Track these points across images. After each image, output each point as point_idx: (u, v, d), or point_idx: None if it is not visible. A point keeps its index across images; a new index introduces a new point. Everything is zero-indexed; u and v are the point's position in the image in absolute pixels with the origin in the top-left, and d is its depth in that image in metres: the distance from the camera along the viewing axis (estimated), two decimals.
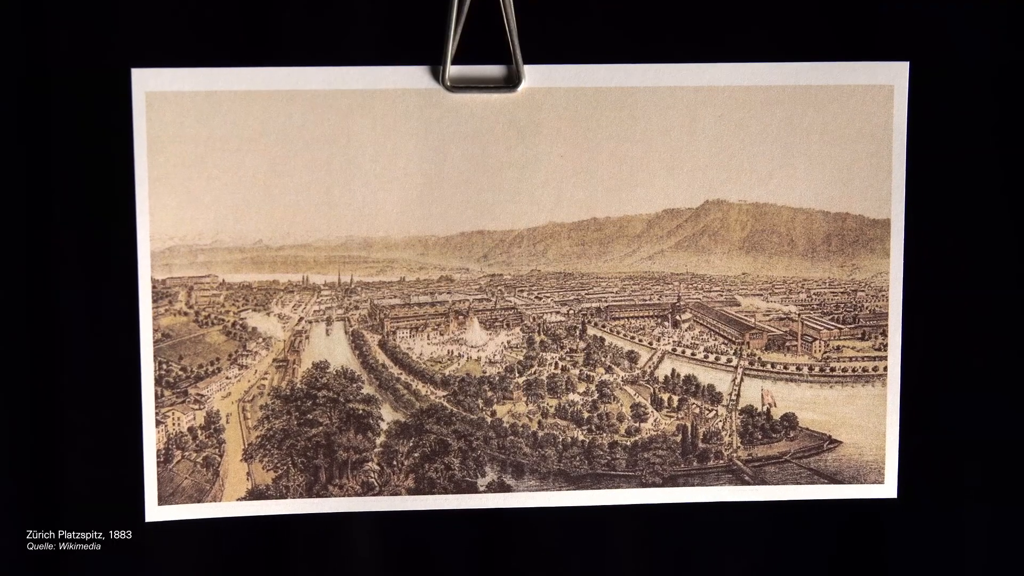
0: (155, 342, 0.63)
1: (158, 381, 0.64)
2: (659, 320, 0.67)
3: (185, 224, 0.63)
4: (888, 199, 0.64)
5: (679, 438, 0.66)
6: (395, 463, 0.66)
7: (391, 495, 0.66)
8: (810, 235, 0.65)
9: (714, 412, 0.66)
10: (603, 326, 0.67)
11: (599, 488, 0.66)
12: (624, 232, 0.65)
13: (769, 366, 0.67)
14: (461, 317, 0.67)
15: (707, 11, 0.62)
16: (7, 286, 0.62)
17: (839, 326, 0.66)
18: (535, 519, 0.66)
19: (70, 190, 0.62)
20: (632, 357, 0.67)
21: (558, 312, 0.67)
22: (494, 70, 0.62)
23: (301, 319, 0.65)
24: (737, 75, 0.63)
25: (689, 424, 0.66)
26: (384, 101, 0.62)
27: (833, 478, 0.66)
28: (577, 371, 0.67)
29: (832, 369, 0.66)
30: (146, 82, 0.61)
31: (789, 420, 0.66)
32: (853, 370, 0.66)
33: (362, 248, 0.64)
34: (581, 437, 0.66)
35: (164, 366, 0.64)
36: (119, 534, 0.64)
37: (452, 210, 0.63)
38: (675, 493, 0.66)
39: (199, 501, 0.65)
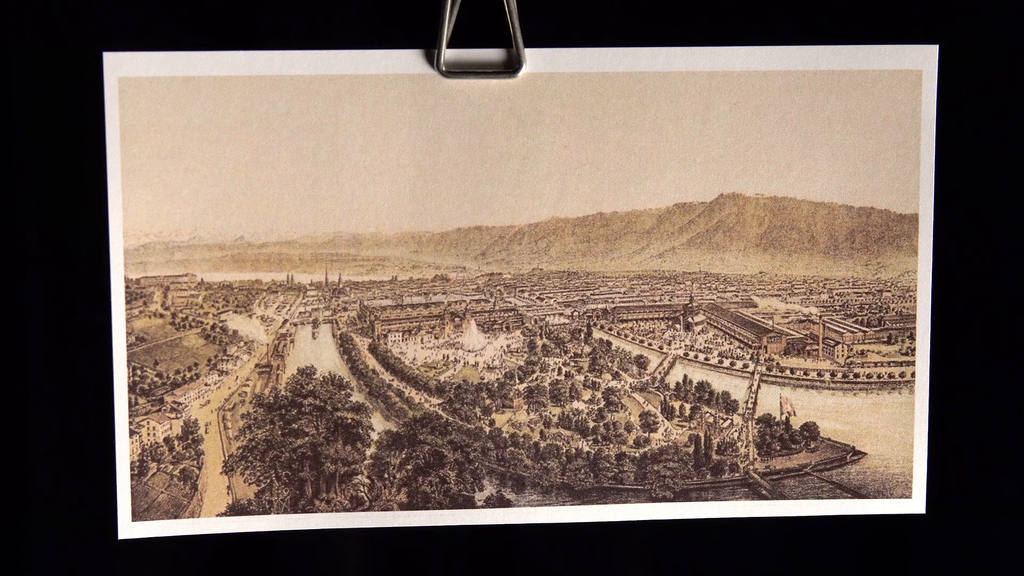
0: (128, 346, 0.62)
1: (132, 388, 0.62)
2: (670, 322, 0.66)
3: (161, 219, 0.61)
4: (916, 192, 0.63)
5: (691, 449, 0.65)
6: (386, 476, 0.64)
7: (382, 510, 0.65)
8: (832, 231, 0.64)
9: (729, 421, 0.65)
10: (610, 329, 0.66)
11: (605, 503, 0.65)
12: (632, 228, 0.64)
13: (788, 372, 0.65)
14: (457, 319, 0.66)
15: None
16: None
17: (863, 329, 0.65)
18: (537, 536, 0.65)
19: (36, 183, 0.60)
20: (641, 362, 0.66)
21: (561, 314, 0.65)
22: (493, 54, 0.61)
23: (285, 321, 0.64)
24: (754, 59, 0.61)
25: (702, 434, 0.65)
26: (374, 87, 0.61)
27: (857, 492, 0.65)
28: (582, 377, 0.65)
29: (856, 375, 0.65)
30: (119, 66, 0.60)
31: (810, 430, 0.65)
32: (878, 376, 0.65)
33: (351, 245, 0.63)
34: (586, 448, 0.65)
35: (138, 372, 0.63)
36: (90, 552, 0.63)
37: (448, 204, 0.62)
38: (687, 508, 0.65)
39: (176, 517, 0.63)
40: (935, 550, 0.65)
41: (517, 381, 0.65)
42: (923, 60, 0.61)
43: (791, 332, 0.65)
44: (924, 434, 0.64)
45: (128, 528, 0.62)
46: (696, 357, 0.65)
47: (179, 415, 0.63)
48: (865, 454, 0.65)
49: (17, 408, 0.61)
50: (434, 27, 0.60)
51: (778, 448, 0.65)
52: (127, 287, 0.61)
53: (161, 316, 0.62)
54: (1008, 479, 0.65)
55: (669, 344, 0.66)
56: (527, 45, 0.60)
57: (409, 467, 0.64)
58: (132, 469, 0.62)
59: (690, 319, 0.65)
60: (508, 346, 0.65)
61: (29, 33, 0.59)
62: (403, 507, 0.64)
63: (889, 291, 0.64)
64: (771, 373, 0.65)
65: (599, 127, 0.62)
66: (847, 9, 0.61)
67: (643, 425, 0.65)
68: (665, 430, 0.65)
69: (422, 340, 0.65)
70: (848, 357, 0.65)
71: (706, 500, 0.65)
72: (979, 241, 0.63)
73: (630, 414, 0.65)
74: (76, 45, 0.59)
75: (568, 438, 0.65)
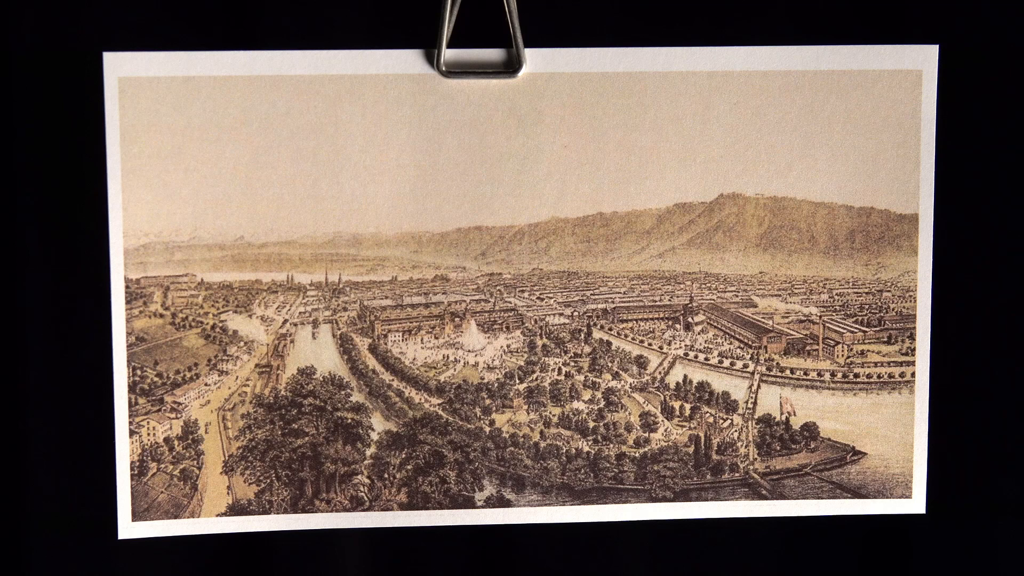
0: (128, 346, 0.62)
1: (132, 388, 0.62)
2: (670, 322, 0.65)
3: (161, 219, 0.61)
4: (916, 192, 0.63)
5: (691, 449, 0.65)
6: (386, 476, 0.64)
7: (382, 510, 0.64)
8: (832, 231, 0.63)
9: (729, 421, 0.65)
10: (610, 329, 0.65)
11: (605, 503, 0.64)
12: (632, 228, 0.63)
13: (788, 372, 0.65)
14: (457, 319, 0.65)
15: None
16: None
17: (863, 329, 0.65)
18: (537, 536, 0.65)
19: (36, 183, 0.60)
20: (641, 362, 0.65)
21: (561, 314, 0.65)
22: (493, 54, 0.61)
23: (285, 321, 0.64)
24: (754, 59, 0.61)
25: (702, 434, 0.65)
26: (374, 87, 0.60)
27: (857, 492, 0.65)
28: (582, 377, 0.65)
29: (856, 375, 0.65)
30: (119, 66, 0.59)
31: (810, 430, 0.65)
32: (878, 376, 0.64)
33: (351, 245, 0.62)
34: (586, 448, 0.64)
35: (138, 372, 0.62)
36: (90, 552, 0.63)
37: (447, 204, 0.62)
38: (687, 508, 0.65)
39: (176, 517, 0.63)
40: (935, 550, 0.65)
41: (517, 381, 0.64)
42: (923, 60, 0.61)
43: (791, 332, 0.65)
44: (924, 434, 0.64)
45: (128, 528, 0.62)
46: (696, 357, 0.65)
47: (179, 415, 0.63)
48: (865, 454, 0.64)
49: (17, 408, 0.61)
50: (434, 27, 0.59)
51: (778, 448, 0.65)
52: (127, 287, 0.61)
53: (161, 316, 0.62)
54: (1008, 479, 0.65)
55: (669, 344, 0.65)
56: (527, 45, 0.60)
57: (409, 467, 0.64)
58: (132, 469, 0.62)
59: (690, 319, 0.65)
60: (508, 346, 0.65)
61: (29, 33, 0.58)
62: (403, 507, 0.64)
63: (889, 291, 0.64)
64: (771, 373, 0.65)
65: (599, 127, 0.61)
66: (847, 9, 0.61)
67: (643, 425, 0.65)
68: (665, 430, 0.65)
69: (422, 340, 0.65)
70: (848, 357, 0.64)
71: (706, 500, 0.64)
72: (979, 241, 0.63)
73: (630, 414, 0.65)
74: (76, 45, 0.59)
75: (568, 438, 0.64)
